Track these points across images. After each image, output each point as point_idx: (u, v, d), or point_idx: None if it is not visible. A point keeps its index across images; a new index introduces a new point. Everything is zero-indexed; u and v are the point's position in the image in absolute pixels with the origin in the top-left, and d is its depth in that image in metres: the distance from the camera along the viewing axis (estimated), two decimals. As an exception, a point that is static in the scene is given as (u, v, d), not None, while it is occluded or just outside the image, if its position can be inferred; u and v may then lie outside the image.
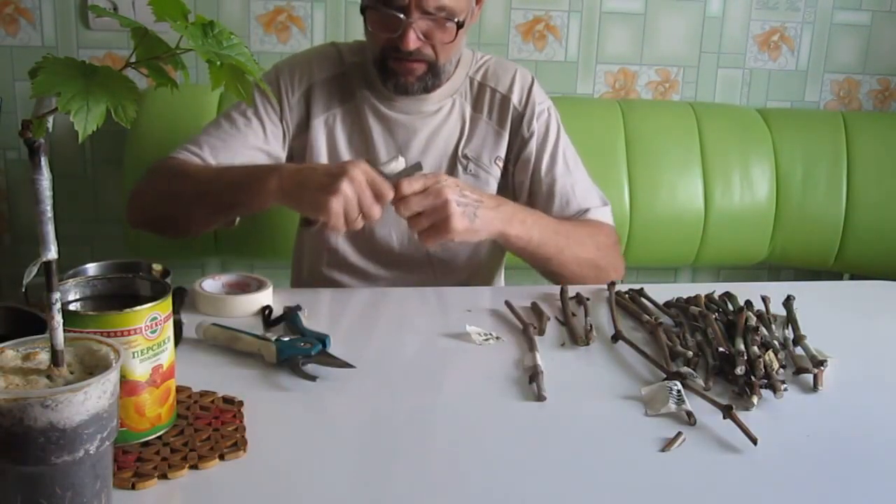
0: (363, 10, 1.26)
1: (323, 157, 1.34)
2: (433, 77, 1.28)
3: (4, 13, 1.88)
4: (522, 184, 1.37)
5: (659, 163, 1.97)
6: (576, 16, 2.10)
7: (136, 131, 1.76)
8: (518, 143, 1.37)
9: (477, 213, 1.12)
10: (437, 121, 1.35)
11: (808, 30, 2.20)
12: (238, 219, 1.28)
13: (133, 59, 0.57)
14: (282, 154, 1.34)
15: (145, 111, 1.77)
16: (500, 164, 1.37)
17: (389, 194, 1.06)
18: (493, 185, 1.37)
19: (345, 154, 1.34)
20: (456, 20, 1.22)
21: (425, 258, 1.38)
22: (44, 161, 0.54)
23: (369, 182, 1.05)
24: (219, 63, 0.57)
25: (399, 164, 1.13)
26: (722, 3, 2.15)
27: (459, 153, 1.35)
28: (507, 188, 1.39)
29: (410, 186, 1.08)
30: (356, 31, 1.96)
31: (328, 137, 1.34)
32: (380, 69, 1.29)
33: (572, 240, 1.26)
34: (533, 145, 1.36)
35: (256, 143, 1.30)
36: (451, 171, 1.36)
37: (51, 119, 0.54)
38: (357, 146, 1.35)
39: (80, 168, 2.00)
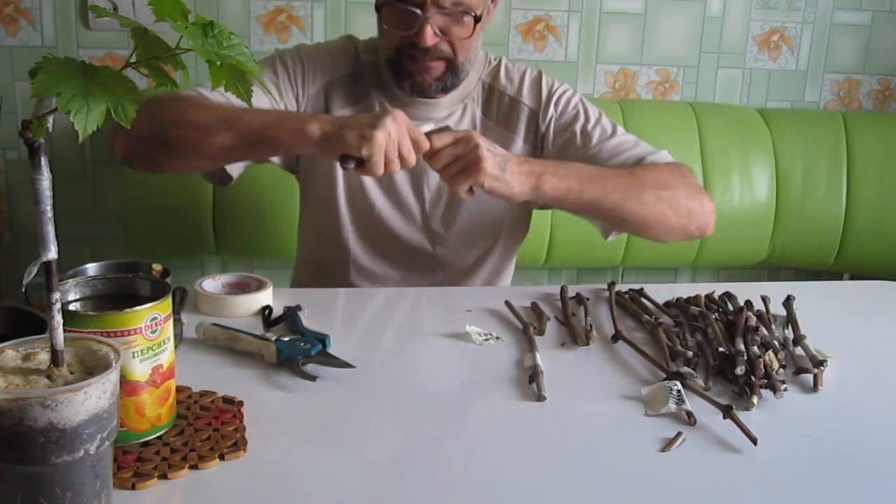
0: (378, 8, 1.24)
1: None
2: (452, 76, 1.25)
3: (4, 13, 1.87)
4: None
5: (659, 163, 1.97)
6: (576, 16, 2.10)
7: (136, 131, 1.76)
8: (539, 141, 1.34)
9: (507, 166, 1.09)
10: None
11: (808, 30, 2.20)
12: (234, 180, 1.24)
13: (133, 59, 0.57)
14: None
15: (145, 111, 1.77)
16: None
17: (425, 144, 1.05)
18: None
19: None
20: (473, 14, 1.20)
21: (434, 259, 1.37)
22: (44, 161, 0.54)
23: (408, 128, 1.04)
24: (219, 63, 0.57)
25: (428, 127, 1.12)
26: (722, 3, 2.15)
27: None
28: None
29: (441, 139, 1.07)
30: (356, 31, 1.95)
31: None
32: (395, 69, 1.25)
33: (622, 179, 1.18)
34: (552, 131, 1.32)
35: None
36: None
37: (51, 119, 0.54)
38: None
39: (80, 168, 1.99)
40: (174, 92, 1.16)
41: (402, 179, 1.33)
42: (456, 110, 1.33)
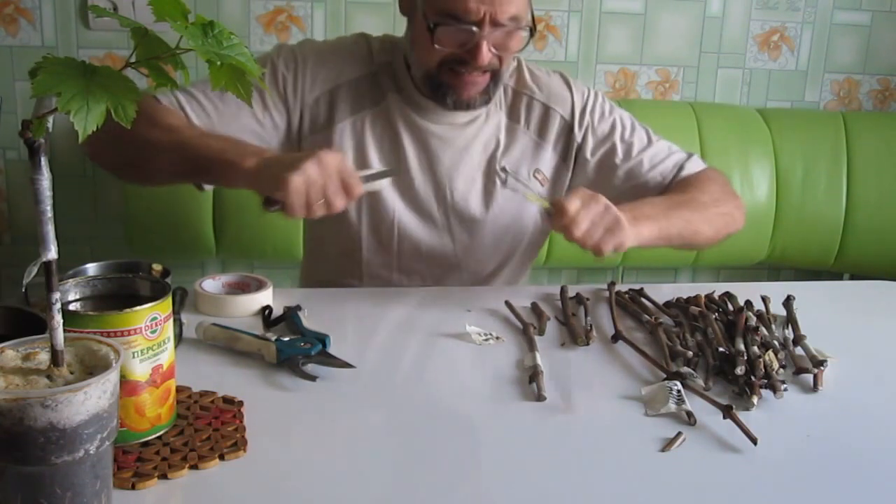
0: (431, 28, 1.15)
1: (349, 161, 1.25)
2: (495, 87, 1.22)
3: (4, 13, 1.87)
4: (603, 183, 1.29)
5: (659, 163, 1.97)
6: (576, 16, 2.10)
7: (136, 131, 1.76)
8: (574, 151, 1.32)
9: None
10: (470, 132, 1.28)
11: (808, 30, 2.20)
12: (209, 186, 1.22)
13: (133, 59, 0.57)
14: (275, 138, 1.24)
15: (145, 111, 1.77)
16: (541, 178, 1.31)
17: (358, 189, 1.00)
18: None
19: (374, 160, 1.27)
20: (528, 27, 1.17)
21: (453, 268, 1.34)
22: (44, 161, 0.54)
23: (339, 170, 0.99)
24: (219, 63, 0.57)
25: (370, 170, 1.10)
26: (722, 3, 2.15)
27: (497, 165, 1.29)
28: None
29: (572, 204, 1.02)
30: (356, 31, 1.96)
31: (356, 142, 1.26)
32: (434, 85, 1.21)
33: (688, 205, 1.21)
34: (590, 142, 1.31)
35: (249, 123, 1.20)
36: (487, 184, 1.29)
37: (51, 119, 0.54)
38: (387, 153, 1.27)
39: (80, 168, 1.99)
40: (153, 108, 1.14)
41: (423, 187, 1.28)
42: (479, 114, 1.29)
